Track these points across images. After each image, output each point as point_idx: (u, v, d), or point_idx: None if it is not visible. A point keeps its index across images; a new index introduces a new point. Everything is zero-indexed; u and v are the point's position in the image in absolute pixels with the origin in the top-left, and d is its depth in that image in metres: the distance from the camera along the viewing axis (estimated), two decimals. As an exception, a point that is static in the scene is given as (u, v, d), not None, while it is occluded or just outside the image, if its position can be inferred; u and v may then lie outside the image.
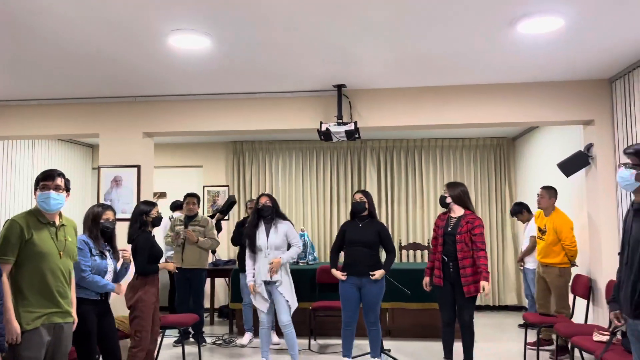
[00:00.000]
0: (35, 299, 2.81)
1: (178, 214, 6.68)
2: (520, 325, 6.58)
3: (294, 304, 4.73)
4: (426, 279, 4.57)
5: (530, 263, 6.08)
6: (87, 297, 3.57)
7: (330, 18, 3.35)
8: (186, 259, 5.77)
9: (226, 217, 6.97)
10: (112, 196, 5.09)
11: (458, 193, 4.53)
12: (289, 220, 4.89)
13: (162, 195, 8.07)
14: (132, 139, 5.23)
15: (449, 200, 4.54)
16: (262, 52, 3.99)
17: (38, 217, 2.90)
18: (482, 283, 4.40)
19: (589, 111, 4.80)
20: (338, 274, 4.70)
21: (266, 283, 4.69)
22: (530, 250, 6.02)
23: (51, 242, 2.89)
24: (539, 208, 5.38)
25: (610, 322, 4.38)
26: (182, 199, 7.06)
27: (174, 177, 8.17)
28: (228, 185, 8.17)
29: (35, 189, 2.94)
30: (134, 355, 4.19)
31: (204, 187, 8.17)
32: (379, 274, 4.58)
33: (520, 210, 6.36)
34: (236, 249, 7.83)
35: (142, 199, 5.09)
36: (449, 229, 4.48)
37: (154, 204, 4.42)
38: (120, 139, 5.23)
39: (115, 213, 3.80)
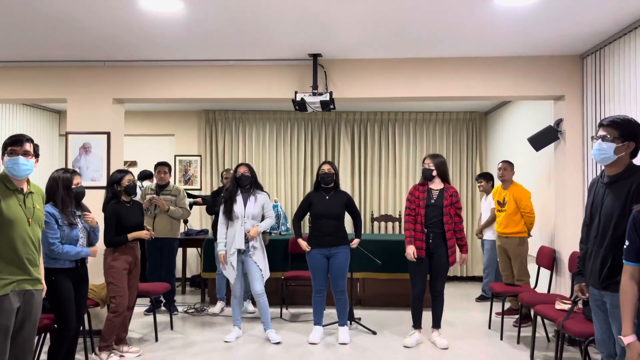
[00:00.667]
0: (4, 266, 2.76)
1: (148, 183, 6.58)
2: (477, 299, 6.69)
3: (267, 273, 4.78)
4: (412, 248, 4.55)
5: (489, 234, 6.27)
6: (62, 266, 3.55)
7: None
8: (157, 228, 5.71)
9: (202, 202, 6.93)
10: (81, 163, 4.97)
11: (440, 165, 4.61)
12: (265, 192, 4.92)
13: (133, 163, 7.92)
14: (102, 105, 5.08)
15: (434, 173, 4.59)
16: (237, 18, 3.89)
17: (5, 184, 2.82)
18: (464, 255, 4.56)
19: (560, 87, 4.87)
20: (304, 244, 4.76)
21: (239, 252, 4.71)
22: (490, 222, 6.20)
23: (19, 209, 2.81)
24: (502, 180, 5.51)
25: (572, 291, 4.55)
26: (151, 168, 6.99)
27: (145, 146, 8.01)
28: (200, 155, 8.06)
29: (3, 155, 2.84)
30: (109, 320, 4.19)
31: (175, 156, 8.05)
32: (356, 243, 4.79)
33: (485, 179, 6.46)
34: (208, 219, 7.82)
35: (112, 168, 4.99)
36: (433, 201, 4.56)
37: (126, 172, 4.35)
38: (89, 105, 5.07)
39: (81, 177, 3.76)
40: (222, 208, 4.79)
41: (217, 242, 5.84)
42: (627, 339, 2.32)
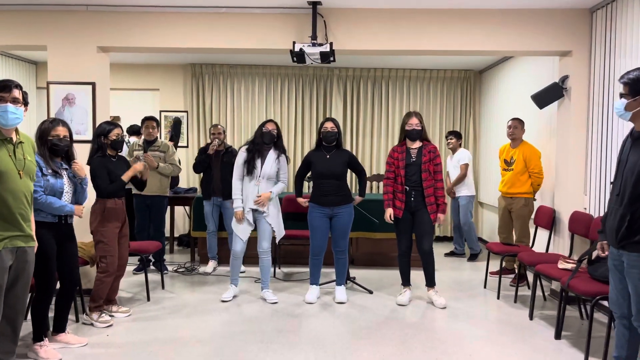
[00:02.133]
0: None
1: (135, 139, 6.30)
2: (446, 254, 6.78)
3: (281, 232, 4.74)
4: (390, 211, 4.53)
5: (465, 190, 6.26)
6: (43, 219, 3.30)
7: None
8: (147, 186, 5.48)
9: (178, 143, 6.65)
10: (65, 115, 4.68)
11: (423, 124, 4.52)
12: (286, 155, 4.72)
13: (116, 118, 7.56)
14: (85, 53, 4.75)
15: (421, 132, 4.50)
16: (235, -43, 3.59)
17: None
18: (440, 215, 4.49)
19: (567, 42, 4.70)
20: (302, 200, 4.70)
21: (254, 211, 4.57)
22: (462, 178, 6.24)
23: (9, 160, 2.59)
24: (511, 138, 5.40)
25: (571, 251, 4.53)
26: (135, 124, 6.70)
27: (129, 100, 7.65)
28: (187, 111, 7.77)
29: None
30: (99, 280, 4.04)
31: (160, 111, 7.73)
32: (358, 200, 4.74)
33: (459, 136, 6.50)
34: (196, 177, 7.60)
35: (98, 121, 4.71)
36: (413, 160, 4.47)
37: (115, 125, 4.10)
38: (72, 53, 4.73)
39: (69, 129, 3.46)
40: (240, 161, 4.60)
41: (207, 201, 5.70)
42: None
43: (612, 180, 2.82)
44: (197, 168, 5.83)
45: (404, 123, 4.56)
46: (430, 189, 4.48)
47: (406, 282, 4.68)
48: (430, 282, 4.63)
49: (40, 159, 3.28)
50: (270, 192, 4.58)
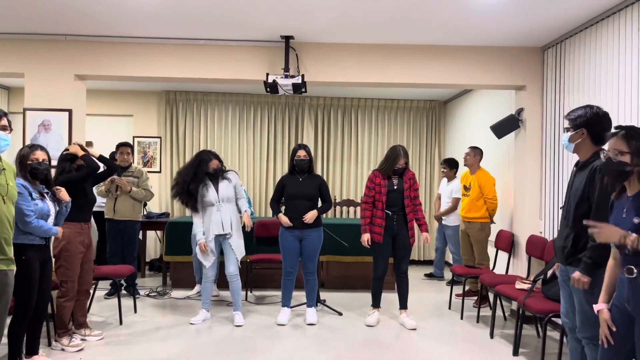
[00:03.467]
0: None
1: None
2: (426, 275, 7.03)
3: (240, 254, 4.78)
4: (367, 236, 4.70)
5: (452, 220, 6.47)
6: (32, 242, 3.39)
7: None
8: (119, 210, 5.57)
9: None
10: (40, 141, 4.74)
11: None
12: (233, 170, 4.88)
13: (89, 144, 7.61)
14: (63, 81, 4.86)
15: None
16: (212, -5, 3.82)
17: None
18: (425, 235, 4.71)
19: (521, 77, 5.07)
20: (284, 218, 4.73)
21: (217, 236, 4.69)
22: (451, 210, 6.41)
23: None
24: (465, 165, 5.72)
25: (529, 272, 4.81)
26: (108, 149, 6.75)
27: (102, 126, 7.71)
28: (160, 137, 7.88)
29: None
30: (60, 305, 4.06)
31: (134, 137, 7.82)
32: (311, 214, 4.66)
33: (447, 166, 6.61)
34: (169, 201, 7.68)
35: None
36: (395, 187, 4.68)
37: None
38: (49, 81, 4.85)
39: (47, 153, 3.56)
40: (189, 201, 4.68)
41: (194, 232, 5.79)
42: (597, 306, 2.52)
43: (561, 205, 3.09)
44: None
45: (394, 160, 4.66)
46: (411, 214, 4.72)
47: (376, 303, 4.83)
48: (403, 305, 4.80)
49: (28, 183, 3.37)
50: (246, 212, 4.78)
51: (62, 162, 4.12)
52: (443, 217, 6.60)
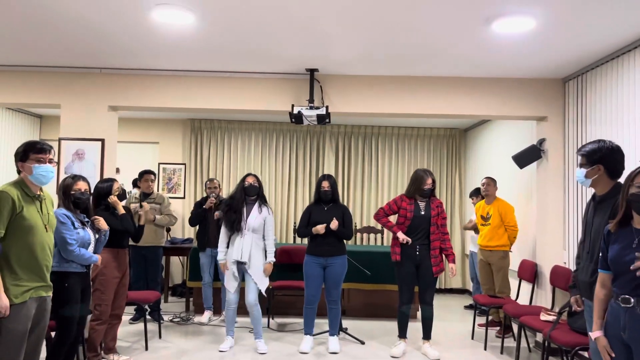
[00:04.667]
0: (24, 273, 2.77)
1: (136, 191, 6.55)
2: (466, 307, 7.01)
3: (263, 285, 4.78)
4: (401, 234, 4.68)
5: (473, 245, 6.46)
6: (75, 270, 3.54)
7: (312, 1, 3.40)
8: (142, 237, 5.68)
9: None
10: (74, 170, 4.93)
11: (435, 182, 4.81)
12: (269, 207, 4.92)
13: (116, 171, 7.84)
14: (97, 111, 5.07)
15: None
16: (242, 30, 3.98)
17: (24, 190, 2.83)
18: (452, 265, 4.71)
19: (543, 108, 5.13)
20: (320, 227, 4.73)
21: (238, 263, 4.75)
22: (469, 228, 6.45)
23: (38, 215, 2.83)
24: (485, 195, 5.73)
25: (553, 303, 4.77)
26: (134, 176, 6.96)
27: (129, 153, 7.95)
28: (185, 163, 8.06)
29: (23, 160, 2.84)
30: (93, 329, 4.17)
31: (159, 164, 8.02)
32: (334, 224, 4.71)
33: (475, 195, 6.68)
34: (191, 228, 7.81)
35: (105, 174, 4.98)
36: (422, 213, 4.72)
37: (110, 180, 4.32)
38: (84, 111, 5.06)
39: (88, 183, 3.71)
40: (224, 217, 4.80)
41: (202, 253, 5.88)
42: (594, 334, 2.60)
43: (580, 240, 3.10)
44: (193, 222, 6.02)
45: (420, 181, 4.74)
46: (437, 242, 4.70)
47: (402, 334, 4.81)
48: (427, 335, 4.78)
49: (70, 213, 3.52)
50: (270, 263, 4.76)
51: (102, 198, 4.26)
52: (469, 245, 6.58)
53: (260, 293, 4.77)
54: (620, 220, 2.53)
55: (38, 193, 2.91)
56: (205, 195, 6.23)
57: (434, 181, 4.77)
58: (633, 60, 4.03)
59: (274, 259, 4.80)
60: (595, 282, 2.84)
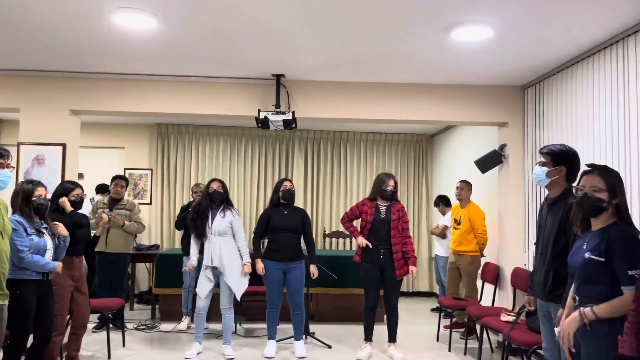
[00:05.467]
0: None
1: (99, 197, 6.44)
2: (432, 309, 7.11)
3: (239, 291, 4.77)
4: (361, 238, 4.75)
5: (442, 251, 6.56)
6: (29, 277, 3.42)
7: (276, 6, 3.44)
8: (110, 243, 5.60)
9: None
10: (33, 175, 4.83)
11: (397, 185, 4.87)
12: (235, 209, 4.91)
13: (79, 176, 7.68)
14: (58, 116, 4.98)
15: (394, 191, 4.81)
16: (206, 35, 3.98)
17: None
18: (412, 268, 4.76)
19: (504, 114, 5.27)
20: (260, 266, 4.78)
21: (212, 268, 4.73)
22: (437, 234, 6.49)
23: None
24: (458, 199, 5.84)
25: (514, 304, 4.89)
26: (104, 182, 6.85)
27: (94, 158, 7.80)
28: (151, 169, 7.96)
29: None
30: (51, 341, 4.04)
31: (125, 169, 7.90)
32: (314, 271, 4.81)
33: (439, 203, 6.81)
34: (158, 234, 7.73)
35: (66, 179, 4.88)
36: (382, 216, 4.76)
37: (76, 185, 4.24)
38: (44, 116, 4.96)
39: (46, 189, 3.63)
40: (191, 224, 4.78)
41: (186, 257, 5.81)
42: (558, 329, 2.61)
43: (534, 241, 3.18)
44: (178, 225, 5.99)
45: (381, 183, 4.80)
46: (398, 245, 4.75)
47: (369, 337, 4.84)
48: (392, 338, 4.83)
49: (23, 219, 3.43)
50: (245, 264, 4.77)
51: (55, 198, 4.17)
52: (434, 249, 6.67)
53: (235, 298, 4.76)
54: (582, 222, 2.57)
55: None
56: (191, 199, 6.18)
57: (396, 184, 4.84)
58: (588, 68, 4.19)
59: (249, 260, 4.79)
60: (550, 282, 2.93)
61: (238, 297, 4.77)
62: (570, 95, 4.40)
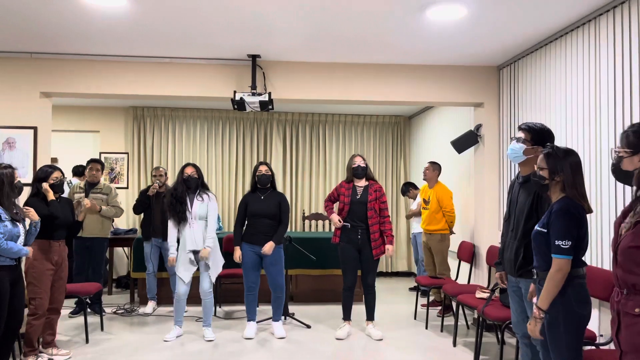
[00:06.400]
0: None
1: (77, 181, 6.33)
2: (410, 289, 7.21)
3: (216, 271, 4.80)
4: (335, 215, 4.83)
5: (419, 228, 6.61)
6: (3, 263, 3.39)
7: (253, -12, 3.39)
8: (87, 228, 5.53)
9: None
10: (4, 159, 4.72)
11: (367, 162, 4.90)
12: (211, 193, 4.88)
13: (54, 160, 7.54)
14: (28, 98, 4.86)
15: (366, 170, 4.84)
16: (178, 16, 3.91)
17: None
18: (388, 246, 4.82)
19: (480, 95, 5.31)
20: (237, 254, 4.81)
21: (193, 252, 4.71)
22: (417, 213, 6.55)
23: None
24: (424, 179, 5.91)
25: (489, 282, 4.99)
26: (79, 165, 6.74)
27: (68, 142, 7.66)
28: (127, 152, 7.85)
29: None
30: (29, 324, 4.02)
31: (100, 153, 7.78)
32: (268, 246, 4.74)
33: (408, 189, 6.93)
34: (136, 218, 7.65)
35: (39, 164, 4.79)
36: (358, 197, 4.79)
37: (54, 168, 4.20)
38: (14, 98, 4.84)
39: (18, 172, 3.58)
40: (169, 209, 4.73)
41: (147, 242, 5.77)
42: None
43: (505, 218, 3.23)
44: (137, 209, 5.92)
45: (349, 163, 4.89)
46: (375, 225, 4.79)
47: (347, 316, 4.92)
48: (370, 316, 4.90)
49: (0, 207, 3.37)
50: (208, 248, 4.70)
51: (36, 182, 4.11)
52: (412, 227, 6.75)
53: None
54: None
55: None
56: (150, 183, 6.10)
57: (364, 160, 4.87)
58: (559, 48, 4.23)
59: (211, 245, 4.74)
60: (520, 258, 2.99)
61: (212, 279, 4.77)
62: (545, 75, 4.45)
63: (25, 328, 4.04)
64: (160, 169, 5.94)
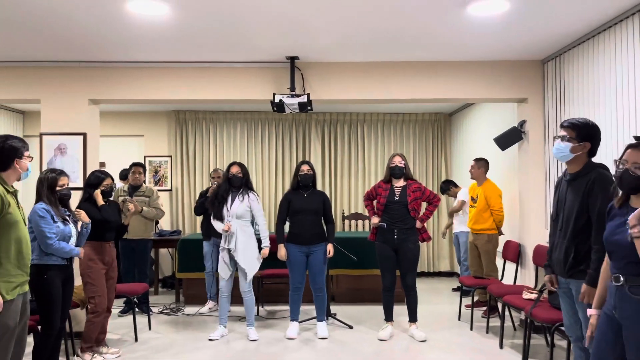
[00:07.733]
0: (13, 269, 2.75)
1: (120, 184, 6.53)
2: (453, 289, 7.10)
3: (251, 271, 4.83)
4: (375, 218, 4.84)
5: (462, 227, 6.48)
6: (55, 263, 3.57)
7: (292, -9, 3.41)
8: (131, 230, 5.67)
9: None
10: (56, 164, 4.92)
11: (407, 162, 4.85)
12: (255, 193, 4.95)
13: (101, 164, 7.81)
14: (77, 105, 5.05)
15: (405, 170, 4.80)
16: (218, 21, 3.97)
17: (4, 185, 2.80)
18: (417, 222, 4.77)
19: (524, 90, 5.17)
20: (283, 252, 4.84)
21: (227, 250, 4.79)
22: (457, 209, 6.45)
23: (18, 210, 2.83)
24: (471, 178, 5.79)
25: (537, 282, 4.85)
26: (125, 168, 6.94)
27: (114, 147, 7.91)
28: (170, 156, 8.04)
29: (20, 157, 2.83)
30: (90, 321, 4.20)
31: (145, 157, 8.00)
32: (331, 249, 4.85)
33: (448, 188, 6.80)
34: (179, 219, 7.83)
35: (88, 169, 4.98)
36: (397, 198, 4.76)
37: (106, 175, 4.33)
38: (64, 106, 5.03)
39: (69, 178, 3.74)
40: (211, 207, 4.86)
41: (207, 242, 5.90)
42: (590, 311, 2.59)
43: (552, 217, 3.12)
44: (197, 210, 6.09)
45: (388, 162, 4.87)
46: (417, 221, 4.76)
47: (389, 317, 4.89)
48: (413, 317, 4.85)
49: (50, 207, 3.53)
50: (267, 247, 4.85)
51: (88, 188, 4.28)
52: (455, 228, 6.64)
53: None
54: (621, 197, 2.46)
55: (15, 188, 2.91)
56: (210, 185, 6.25)
57: (404, 160, 4.82)
58: (609, 39, 4.07)
59: (268, 244, 4.85)
60: (571, 259, 2.89)
61: (249, 277, 4.80)
62: (591, 68, 4.29)
63: (85, 325, 4.21)
64: (218, 170, 6.09)
